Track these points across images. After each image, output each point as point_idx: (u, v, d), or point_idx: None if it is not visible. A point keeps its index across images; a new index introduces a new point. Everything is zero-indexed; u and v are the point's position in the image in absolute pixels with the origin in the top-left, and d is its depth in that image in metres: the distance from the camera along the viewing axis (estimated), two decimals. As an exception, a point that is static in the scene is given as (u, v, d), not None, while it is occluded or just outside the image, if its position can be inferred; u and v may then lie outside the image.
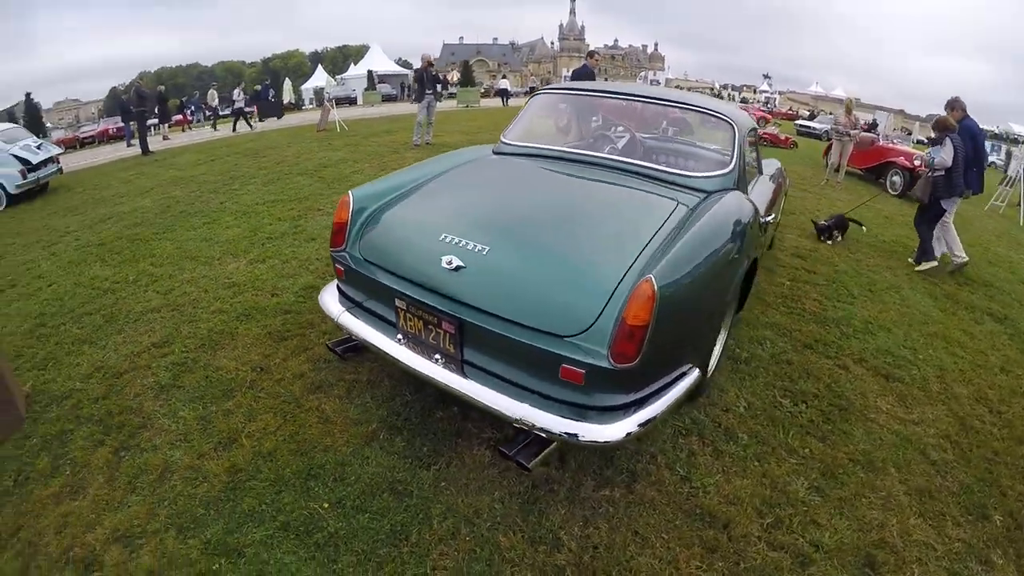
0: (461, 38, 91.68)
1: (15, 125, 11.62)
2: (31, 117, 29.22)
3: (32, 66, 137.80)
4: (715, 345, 2.80)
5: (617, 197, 2.84)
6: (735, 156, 3.11)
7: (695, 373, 2.33)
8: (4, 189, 8.78)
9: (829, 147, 11.11)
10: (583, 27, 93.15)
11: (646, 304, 1.94)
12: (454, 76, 42.22)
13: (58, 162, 10.37)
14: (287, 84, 35.88)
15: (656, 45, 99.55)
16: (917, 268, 5.42)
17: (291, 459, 2.47)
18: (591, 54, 9.10)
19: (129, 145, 15.52)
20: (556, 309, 2.07)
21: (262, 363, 3.23)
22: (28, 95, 29.81)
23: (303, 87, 41.68)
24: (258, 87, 26.89)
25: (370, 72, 42.96)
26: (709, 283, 2.36)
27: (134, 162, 12.37)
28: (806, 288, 4.47)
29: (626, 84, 4.16)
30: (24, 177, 8.92)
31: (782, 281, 4.54)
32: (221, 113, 22.27)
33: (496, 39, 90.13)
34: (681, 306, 2.12)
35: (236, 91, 19.36)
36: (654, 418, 2.06)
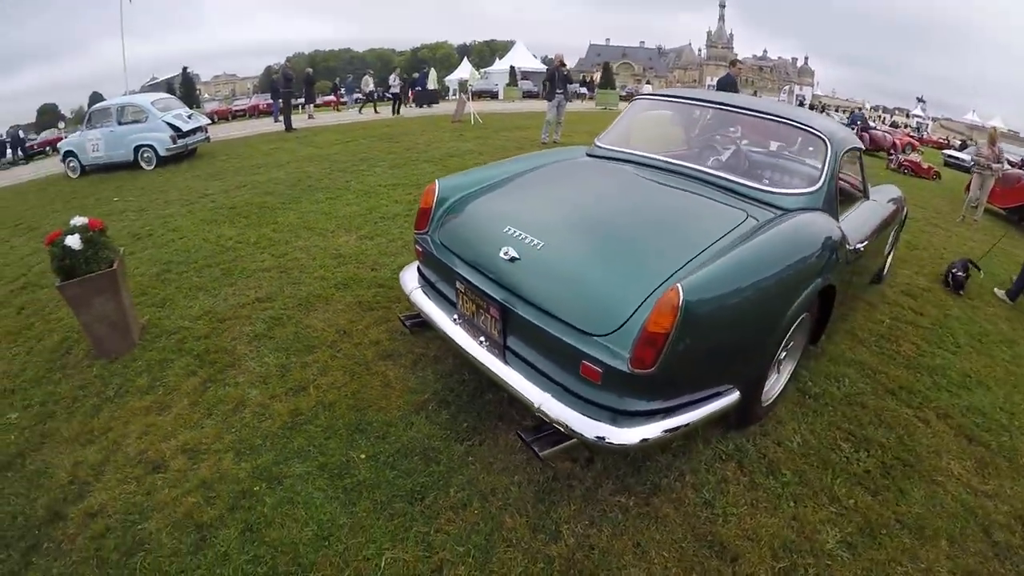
0: (608, 40, 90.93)
1: (170, 95, 13.34)
2: (187, 89, 32.59)
3: (196, 40, 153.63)
4: (768, 370, 2.57)
5: (689, 206, 2.80)
6: (824, 175, 2.93)
7: (734, 395, 2.25)
8: (155, 151, 10.22)
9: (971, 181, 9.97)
10: (732, 35, 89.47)
11: (669, 312, 1.91)
12: (595, 77, 41.96)
13: (206, 131, 11.89)
14: (432, 74, 37.56)
15: (806, 59, 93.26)
16: None
17: (346, 412, 2.73)
18: (734, 63, 8.79)
19: (276, 121, 17.15)
20: (593, 307, 2.11)
21: (346, 327, 3.56)
22: (185, 68, 33.27)
23: (447, 78, 43.26)
24: (416, 74, 28.53)
25: (512, 68, 43.98)
26: (757, 302, 2.25)
27: (277, 137, 13.74)
28: (907, 329, 4.03)
29: (725, 94, 4.02)
30: (174, 142, 10.29)
31: (882, 318, 4.13)
32: (376, 98, 23.21)
33: (643, 42, 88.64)
34: (714, 320, 2.06)
35: (392, 77, 20.27)
36: (676, 429, 2.05)
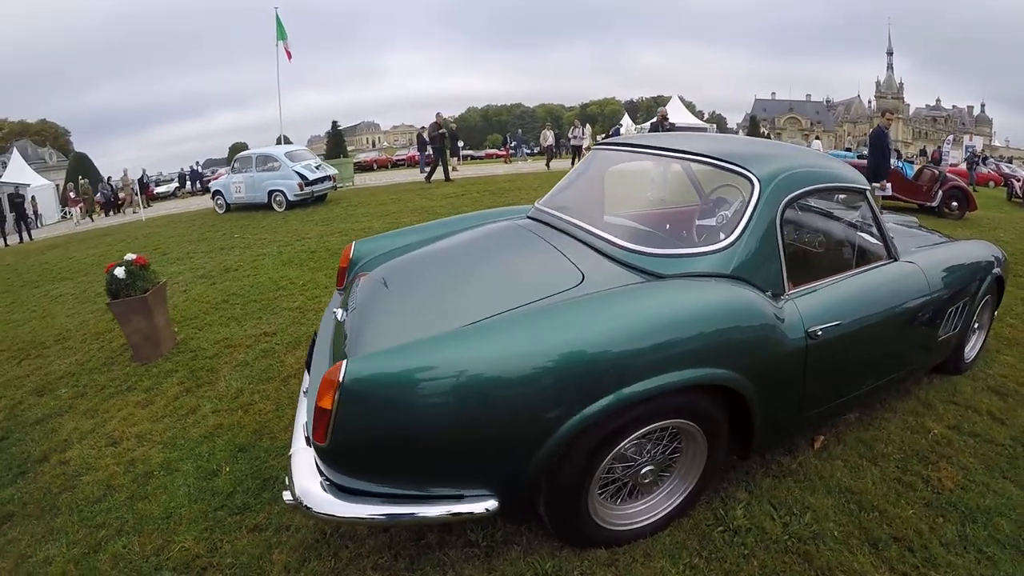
0: (773, 93, 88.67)
1: (302, 147, 16.09)
2: (337, 140, 36.90)
3: (379, 91, 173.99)
4: (529, 481, 1.95)
5: (534, 272, 2.54)
6: (741, 228, 2.32)
7: (486, 503, 1.90)
8: (285, 196, 12.37)
9: None
10: (902, 84, 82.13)
11: (329, 387, 1.75)
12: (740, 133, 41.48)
13: (333, 180, 14.08)
14: (587, 129, 39.51)
15: (983, 107, 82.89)
16: None
17: (247, 435, 3.39)
18: (884, 112, 8.45)
19: (422, 172, 19.16)
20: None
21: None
22: (335, 122, 37.70)
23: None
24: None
25: (664, 121, 44.83)
26: (506, 391, 1.83)
27: (410, 187, 15.71)
28: (964, 445, 2.97)
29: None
30: (301, 189, 12.44)
31: (932, 426, 3.13)
32: (553, 152, 23.72)
33: (809, 96, 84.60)
34: (404, 405, 1.79)
35: (576, 130, 20.92)
36: (397, 517, 1.91)
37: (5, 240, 18.70)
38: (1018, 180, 16.38)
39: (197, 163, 31.95)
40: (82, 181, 23.13)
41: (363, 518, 1.88)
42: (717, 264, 2.30)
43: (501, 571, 2.21)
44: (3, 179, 30.62)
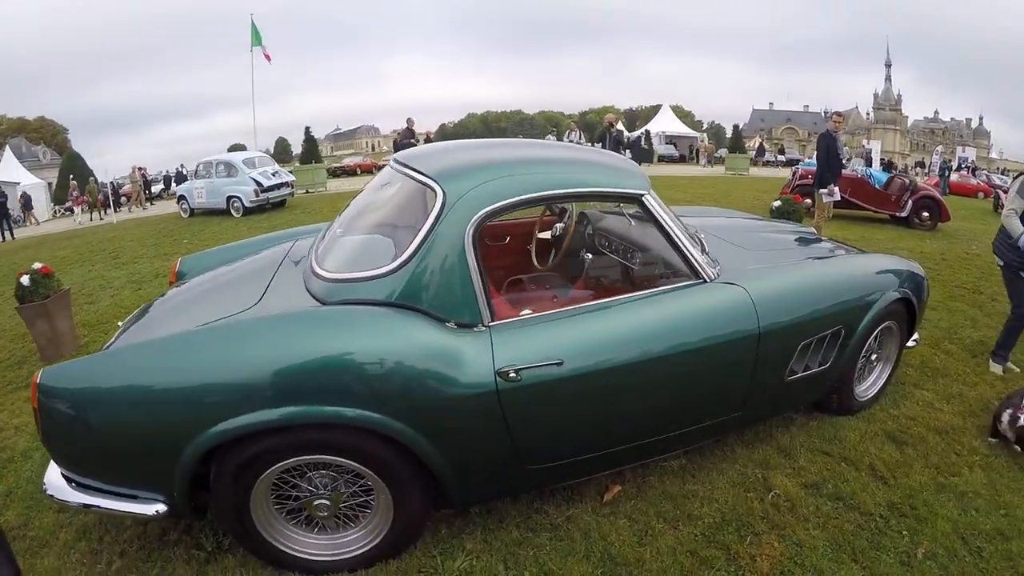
0: (771, 104, 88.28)
1: (263, 154, 16.03)
2: (309, 145, 36.73)
3: (381, 98, 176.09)
4: (179, 488, 1.98)
5: (233, 294, 2.56)
6: (413, 249, 2.08)
7: (154, 506, 1.98)
8: (242, 202, 12.78)
9: None
10: (900, 96, 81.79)
11: (32, 390, 1.93)
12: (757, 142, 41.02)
13: (291, 187, 14.45)
14: (582, 136, 39.55)
15: (981, 119, 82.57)
16: None
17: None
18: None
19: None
20: None
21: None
22: (307, 128, 37.36)
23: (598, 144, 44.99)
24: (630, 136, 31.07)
25: (647, 132, 44.87)
26: (138, 402, 1.91)
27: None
28: (814, 509, 2.53)
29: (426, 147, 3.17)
30: (256, 195, 12.80)
31: (783, 483, 2.69)
32: None
33: (807, 106, 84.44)
34: (82, 409, 1.92)
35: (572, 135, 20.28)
36: (89, 507, 2.04)
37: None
38: (1005, 191, 15.94)
39: (182, 165, 32.02)
40: (89, 181, 22.45)
41: (68, 502, 2.05)
42: (379, 291, 2.10)
43: (207, 574, 2.27)
44: None
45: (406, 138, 15.47)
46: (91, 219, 19.21)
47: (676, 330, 2.32)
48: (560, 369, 2.07)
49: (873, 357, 3.24)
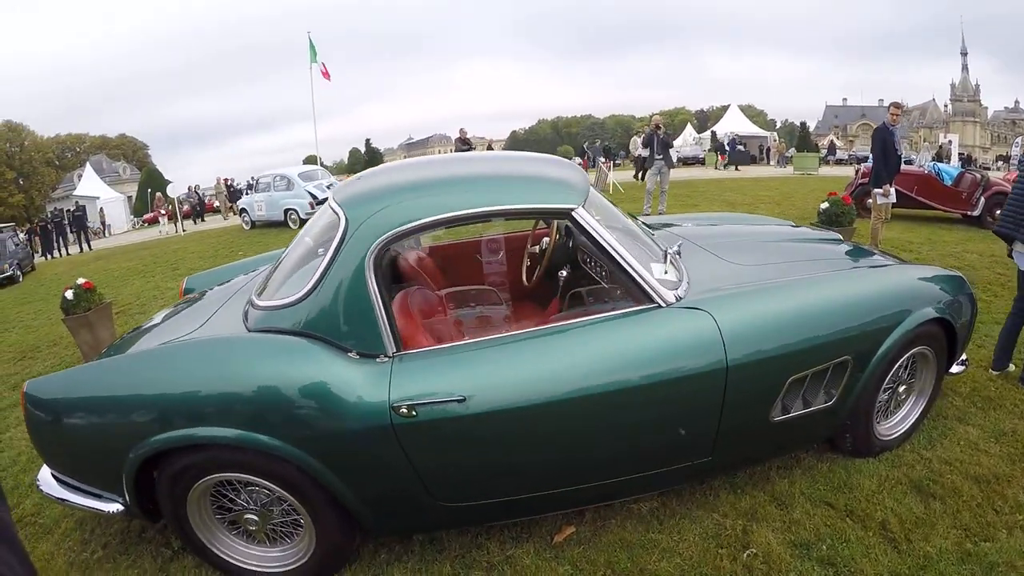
0: (845, 99, 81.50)
1: (318, 167, 16.37)
2: (371, 156, 36.55)
3: (453, 106, 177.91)
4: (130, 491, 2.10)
5: (194, 315, 2.75)
6: (316, 278, 2.03)
7: (113, 505, 2.14)
8: (298, 213, 13.08)
9: None
10: (978, 86, 73.65)
11: (21, 399, 2.16)
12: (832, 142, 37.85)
13: None
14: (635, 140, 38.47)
15: None
16: None
17: None
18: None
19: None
20: None
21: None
22: (367, 140, 37.23)
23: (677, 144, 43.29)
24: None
25: (713, 133, 42.79)
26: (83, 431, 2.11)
27: None
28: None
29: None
30: (311, 207, 13.06)
31: (761, 540, 2.30)
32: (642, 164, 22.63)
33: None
34: (60, 419, 2.11)
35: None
36: (64, 501, 2.24)
37: (66, 250, 20.53)
38: None
39: (253, 178, 33.58)
40: (170, 194, 23.21)
41: (51, 495, 2.27)
42: (289, 319, 2.08)
43: (169, 571, 2.40)
44: (76, 192, 33.34)
45: (460, 147, 15.50)
46: (175, 230, 20.15)
47: (615, 364, 2.01)
48: (462, 407, 1.89)
49: (901, 389, 2.68)
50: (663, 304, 2.11)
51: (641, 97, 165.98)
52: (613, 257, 2.11)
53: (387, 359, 1.97)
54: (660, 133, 10.10)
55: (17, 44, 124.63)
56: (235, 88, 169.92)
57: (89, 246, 20.53)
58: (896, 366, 2.51)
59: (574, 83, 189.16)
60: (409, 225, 2.02)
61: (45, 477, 2.33)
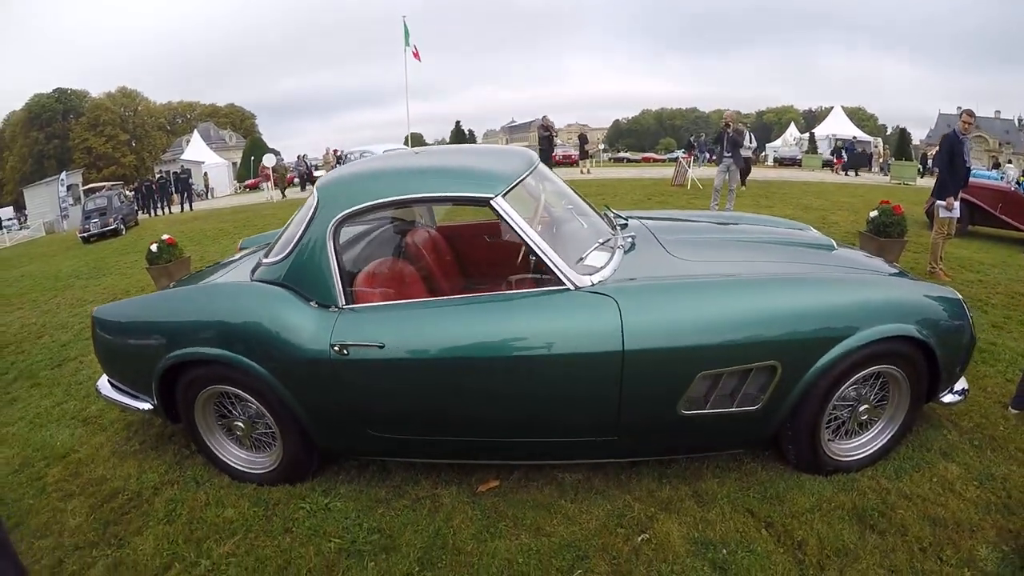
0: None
1: (402, 146, 15.82)
2: (458, 138, 34.60)
3: (557, 92, 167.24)
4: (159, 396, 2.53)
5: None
6: (293, 243, 2.34)
7: (145, 404, 2.61)
8: None
9: None
10: None
11: (91, 321, 2.70)
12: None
13: None
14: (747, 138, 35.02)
15: None
16: None
17: None
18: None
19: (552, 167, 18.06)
20: None
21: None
22: (457, 122, 35.63)
23: (769, 144, 39.40)
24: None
25: (811, 135, 38.51)
26: (132, 341, 2.61)
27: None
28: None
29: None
30: None
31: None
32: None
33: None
34: (113, 337, 2.64)
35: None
36: (111, 400, 2.74)
37: (168, 209, 20.02)
38: None
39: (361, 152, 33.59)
40: (276, 160, 22.04)
41: (102, 395, 2.81)
42: (275, 273, 2.39)
43: (183, 465, 2.76)
44: (183, 156, 33.33)
45: (541, 134, 14.91)
46: (283, 196, 19.58)
47: (517, 335, 2.05)
48: (381, 352, 2.08)
49: (862, 409, 2.27)
50: (573, 287, 2.07)
51: (749, 93, 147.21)
52: (527, 242, 2.12)
53: (336, 310, 2.21)
54: (729, 130, 9.09)
55: (135, 16, 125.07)
56: (349, 64, 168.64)
57: (191, 207, 20.15)
58: (848, 383, 2.16)
59: (680, 75, 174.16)
60: (360, 206, 2.24)
61: (103, 382, 2.83)
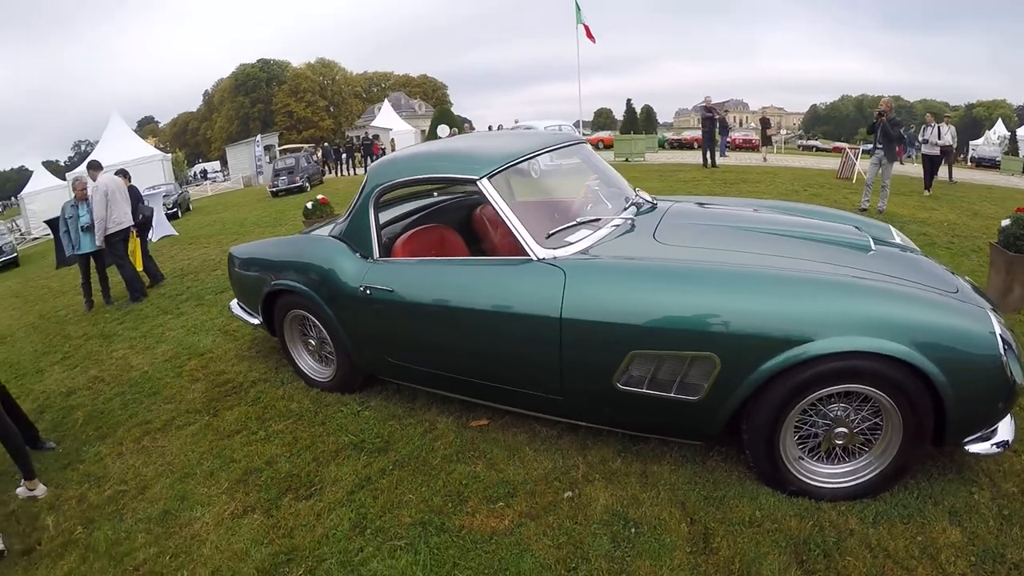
0: None
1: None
2: (647, 119, 31.83)
3: (752, 71, 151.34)
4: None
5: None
6: (350, 208, 3.00)
7: (254, 319, 3.58)
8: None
9: None
10: None
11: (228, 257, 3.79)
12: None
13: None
14: (946, 129, 29.07)
15: None
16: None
17: None
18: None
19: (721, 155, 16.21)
20: None
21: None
22: (628, 100, 31.54)
23: (972, 142, 31.97)
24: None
25: (1013, 133, 30.09)
26: (252, 271, 3.56)
27: (676, 168, 14.31)
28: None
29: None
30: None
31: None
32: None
33: None
34: (237, 267, 3.66)
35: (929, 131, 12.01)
36: (238, 317, 3.84)
37: (353, 171, 21.89)
38: None
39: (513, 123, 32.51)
40: (465, 128, 22.43)
41: (234, 313, 3.87)
42: (339, 230, 3.03)
43: (278, 375, 3.59)
44: (373, 123, 34.19)
45: (704, 114, 13.99)
46: None
47: (484, 293, 2.39)
48: (390, 295, 2.64)
49: (838, 431, 2.01)
50: (535, 258, 2.31)
51: (957, 82, 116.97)
52: (503, 219, 2.41)
53: (372, 261, 2.81)
54: (883, 121, 7.67)
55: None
56: (537, 38, 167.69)
57: (355, 171, 21.83)
58: (815, 395, 1.95)
59: (884, 59, 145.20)
60: (393, 181, 2.82)
61: (233, 303, 3.88)
